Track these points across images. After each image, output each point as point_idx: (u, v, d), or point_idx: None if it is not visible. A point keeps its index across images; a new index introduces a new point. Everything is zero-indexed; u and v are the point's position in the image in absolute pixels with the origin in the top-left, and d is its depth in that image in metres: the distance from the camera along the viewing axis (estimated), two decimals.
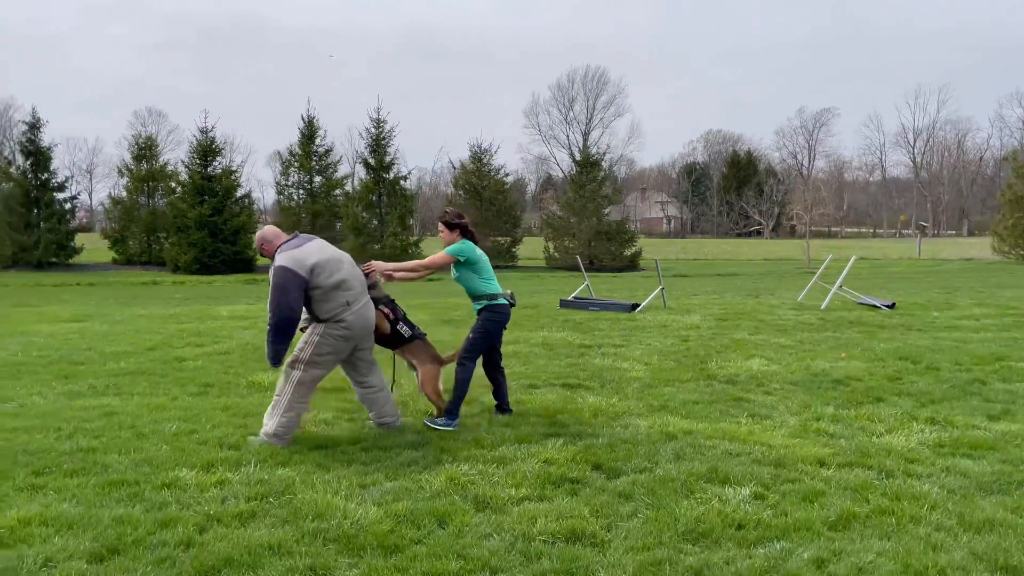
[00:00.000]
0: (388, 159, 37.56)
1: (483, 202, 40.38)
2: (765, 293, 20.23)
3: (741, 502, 4.34)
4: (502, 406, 6.38)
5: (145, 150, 37.01)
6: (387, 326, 5.84)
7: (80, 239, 35.93)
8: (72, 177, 51.05)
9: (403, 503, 4.27)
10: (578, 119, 68.88)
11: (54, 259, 33.58)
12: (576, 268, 39.39)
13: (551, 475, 4.74)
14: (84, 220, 66.28)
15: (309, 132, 38.23)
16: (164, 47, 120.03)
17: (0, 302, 18.55)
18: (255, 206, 35.28)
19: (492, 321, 6.12)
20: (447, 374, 6.13)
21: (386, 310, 5.86)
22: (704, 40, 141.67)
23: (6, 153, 36.48)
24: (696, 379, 7.93)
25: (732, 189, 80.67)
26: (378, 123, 37.55)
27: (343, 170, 40.03)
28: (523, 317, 13.59)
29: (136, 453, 5.14)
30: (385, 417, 5.80)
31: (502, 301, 6.14)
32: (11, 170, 34.28)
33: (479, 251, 6.14)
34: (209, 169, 35.10)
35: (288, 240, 5.47)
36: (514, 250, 41.24)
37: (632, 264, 40.93)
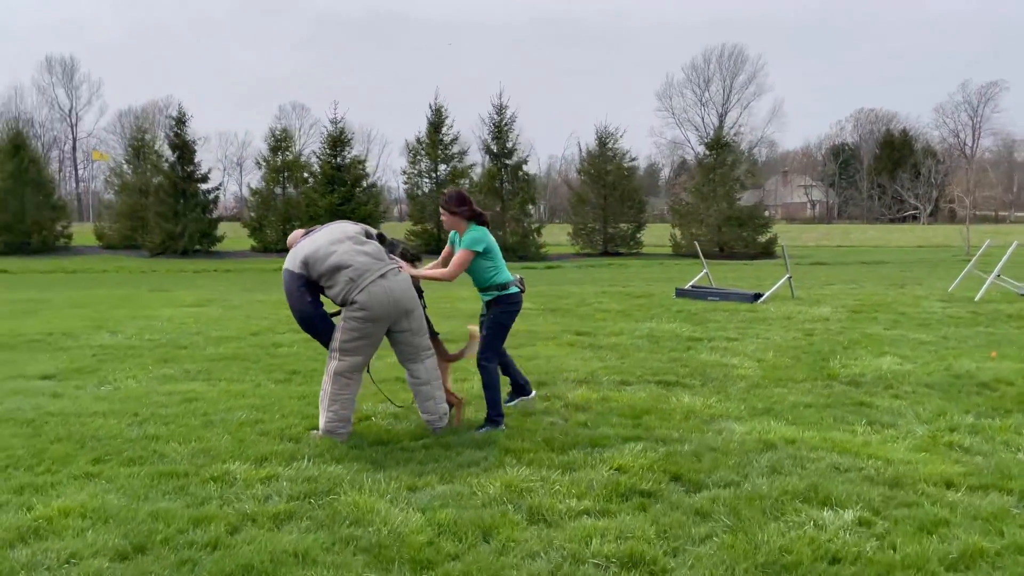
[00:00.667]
0: (510, 145, 37.46)
1: (606, 187, 39.53)
2: (911, 283, 18.57)
3: (841, 529, 3.67)
4: (519, 386, 5.97)
5: (281, 141, 38.58)
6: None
7: (224, 228, 38.01)
8: (215, 169, 53.88)
9: (450, 510, 3.89)
10: (714, 100, 66.39)
11: (198, 247, 35.62)
12: (704, 255, 38.10)
13: (620, 485, 4.22)
14: (235, 210, 70.19)
15: (437, 121, 38.67)
16: (311, 44, 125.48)
17: (139, 287, 19.70)
18: (390, 195, 36.22)
19: (507, 313, 5.60)
20: (462, 372, 5.69)
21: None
22: (853, 10, 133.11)
23: (156, 147, 38.81)
24: (813, 379, 7.12)
25: (885, 171, 75.28)
26: (500, 109, 37.51)
27: (470, 159, 40.24)
28: (633, 307, 12.97)
29: (197, 443, 5.02)
30: (425, 414, 5.35)
31: (514, 290, 5.59)
32: (161, 163, 36.62)
33: (491, 236, 5.56)
34: (339, 159, 36.27)
35: (303, 236, 5.33)
36: (638, 236, 40.16)
37: (766, 251, 38.93)
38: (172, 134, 36.36)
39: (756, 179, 52.74)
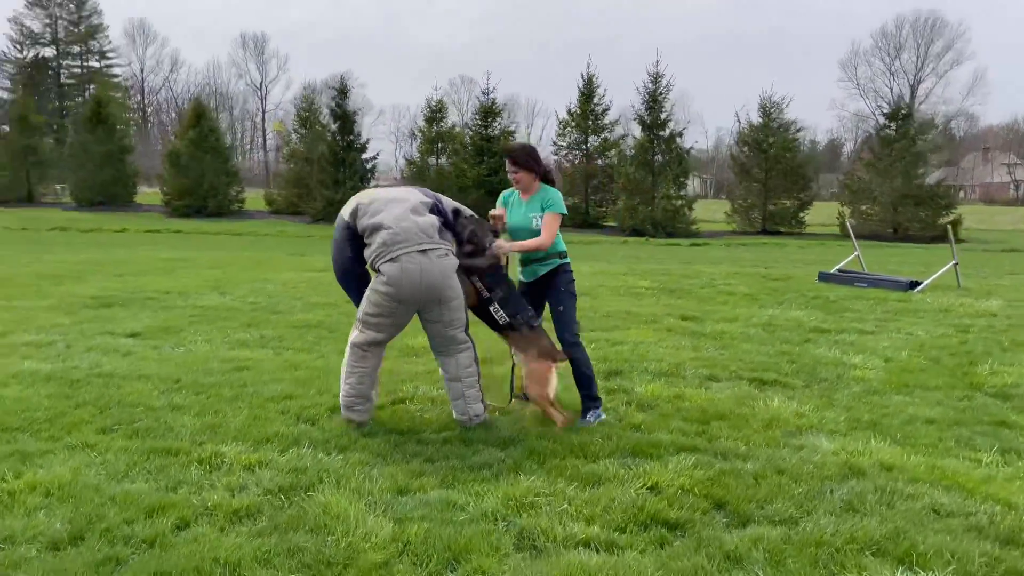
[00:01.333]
0: (664, 116, 35.84)
1: (768, 160, 37.01)
2: None
3: None
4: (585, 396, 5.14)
5: (436, 112, 39.10)
6: (473, 298, 4.77)
7: None
8: (388, 141, 55.63)
9: (429, 524, 3.31)
10: (905, 69, 60.76)
11: None
12: (875, 236, 34.85)
13: (644, 510, 3.48)
14: (397, 180, 73.14)
15: (588, 91, 37.73)
16: (488, 19, 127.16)
17: (279, 250, 20.44)
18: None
19: (573, 282, 4.99)
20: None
21: (479, 284, 4.76)
22: None
23: (322, 118, 40.43)
24: (950, 387, 5.90)
25: None
26: (656, 78, 35.87)
27: (621, 130, 38.99)
28: (765, 290, 11.75)
29: (211, 417, 4.73)
30: (456, 413, 4.74)
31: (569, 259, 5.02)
32: (325, 133, 38.13)
33: None
34: (489, 130, 36.25)
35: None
36: (802, 215, 37.37)
37: (946, 235, 35.09)
38: (334, 105, 37.70)
39: (945, 155, 47.72)
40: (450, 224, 4.75)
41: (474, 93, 69.64)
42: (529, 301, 5.07)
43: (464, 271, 4.67)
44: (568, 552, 3.13)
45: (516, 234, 4.99)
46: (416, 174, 39.17)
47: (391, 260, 4.41)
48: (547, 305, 5.05)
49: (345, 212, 4.66)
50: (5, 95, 62.49)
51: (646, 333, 7.79)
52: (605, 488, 3.74)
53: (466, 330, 4.69)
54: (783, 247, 28.80)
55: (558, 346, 4.83)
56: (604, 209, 37.99)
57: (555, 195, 4.89)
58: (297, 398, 5.17)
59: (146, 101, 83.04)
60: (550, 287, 4.97)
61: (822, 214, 38.85)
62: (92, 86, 64.23)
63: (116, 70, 71.96)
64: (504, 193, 5.10)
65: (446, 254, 4.55)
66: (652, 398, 5.39)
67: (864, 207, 36.75)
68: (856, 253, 13.91)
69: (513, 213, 5.00)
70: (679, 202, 35.44)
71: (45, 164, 44.21)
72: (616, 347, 7.07)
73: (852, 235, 14.39)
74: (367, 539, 3.18)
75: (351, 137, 37.36)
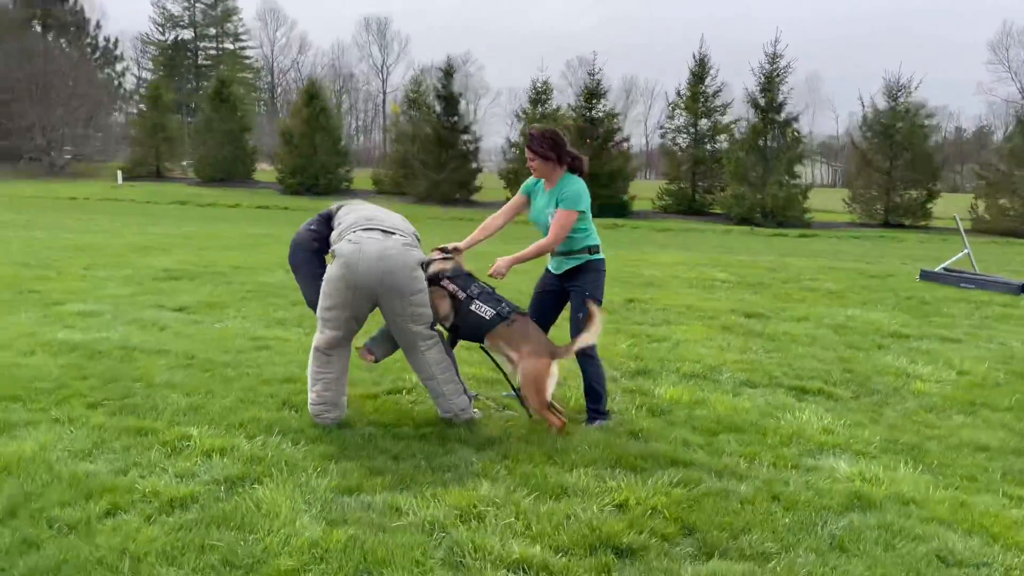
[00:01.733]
0: (780, 98, 34.09)
1: (893, 147, 34.60)
2: None
3: None
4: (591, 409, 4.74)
5: (541, 94, 38.78)
6: (447, 306, 4.40)
7: (485, 179, 39.35)
8: (503, 123, 55.56)
9: (358, 530, 3.09)
10: None
11: (457, 196, 37.23)
12: (1012, 233, 31.98)
13: (601, 531, 3.13)
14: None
15: (699, 72, 36.45)
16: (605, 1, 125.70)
17: None
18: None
19: (601, 282, 4.57)
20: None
21: (451, 286, 4.40)
22: None
23: (429, 100, 40.88)
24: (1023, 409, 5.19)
25: None
26: (773, 58, 34.17)
27: (734, 113, 37.43)
28: (854, 288, 10.89)
29: (199, 397, 4.68)
30: (441, 412, 4.45)
31: (603, 255, 4.59)
32: (430, 115, 38.55)
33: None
34: (593, 112, 35.59)
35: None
36: (928, 207, 34.79)
37: None
38: (439, 86, 38.02)
39: None
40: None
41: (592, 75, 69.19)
42: (547, 299, 4.75)
43: (432, 279, 4.40)
44: (494, 573, 2.84)
45: (537, 225, 4.65)
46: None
47: (349, 240, 4.14)
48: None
49: (333, 206, 4.50)
50: (149, 76, 66.55)
51: (696, 330, 7.29)
52: (567, 502, 3.41)
53: (431, 326, 4.35)
54: (900, 242, 26.99)
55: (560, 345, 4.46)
56: (712, 196, 36.72)
57: (573, 188, 4.43)
58: (296, 382, 5.05)
59: (275, 81, 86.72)
60: (573, 287, 4.61)
61: (956, 207, 36.11)
62: (223, 67, 67.75)
63: (248, 52, 75.44)
64: (528, 180, 4.73)
65: (412, 246, 4.25)
66: (669, 403, 4.96)
67: (1002, 201, 33.86)
68: (966, 251, 12.69)
69: (534, 204, 4.65)
70: (793, 190, 33.74)
71: (173, 141, 46.83)
72: (655, 344, 6.63)
73: (962, 231, 13.13)
74: (287, 542, 2.99)
75: (455, 119, 37.61)
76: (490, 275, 4.48)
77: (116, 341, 6.02)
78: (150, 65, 69.97)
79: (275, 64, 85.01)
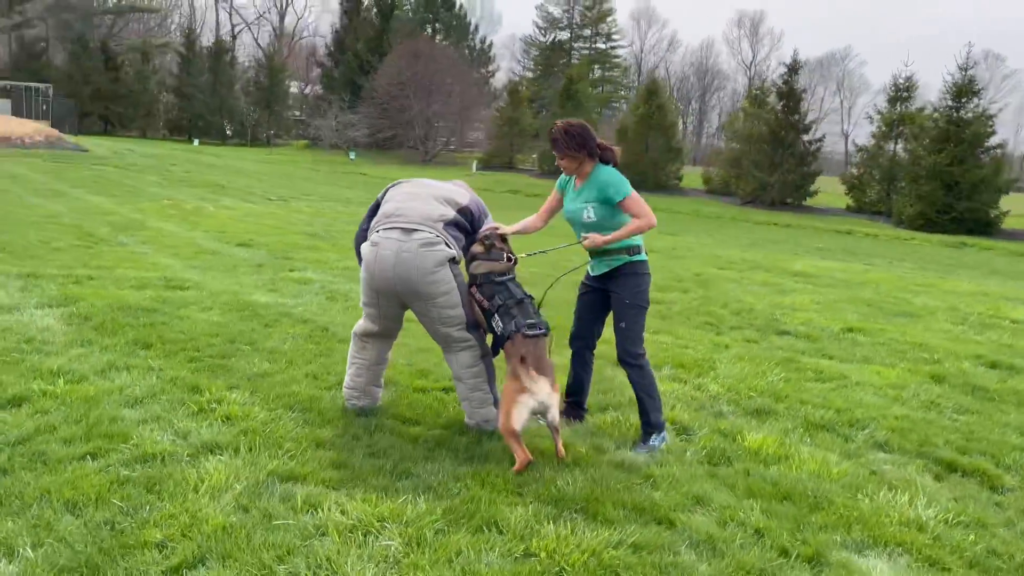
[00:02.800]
0: None
1: None
2: None
3: None
4: (576, 404, 4.47)
5: (903, 92, 34.51)
6: (479, 313, 4.13)
7: (822, 182, 36.25)
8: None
9: (245, 518, 3.07)
10: None
11: (788, 200, 34.76)
12: None
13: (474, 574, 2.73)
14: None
15: None
16: None
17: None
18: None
19: (645, 290, 4.18)
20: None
21: (477, 295, 4.11)
22: None
23: (769, 97, 38.63)
24: None
25: None
26: None
27: None
28: None
29: (270, 364, 4.98)
30: (466, 418, 4.21)
31: (645, 255, 4.22)
32: (768, 112, 36.41)
33: None
34: (961, 112, 30.65)
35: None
36: None
37: None
38: (781, 82, 35.80)
39: None
40: (464, 228, 4.24)
41: (998, 72, 60.21)
42: (589, 300, 4.33)
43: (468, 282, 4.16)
44: None
45: (572, 225, 4.29)
46: (868, 159, 35.35)
47: (371, 241, 4.06)
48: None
49: (381, 192, 4.43)
50: (529, 75, 72.28)
51: (890, 374, 5.95)
52: (477, 539, 3.02)
53: (468, 328, 4.10)
54: None
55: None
56: None
57: (612, 178, 4.09)
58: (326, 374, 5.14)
59: (641, 80, 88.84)
60: (613, 292, 4.20)
61: None
62: (596, 66, 71.03)
63: (618, 51, 78.20)
64: (561, 178, 4.35)
65: (432, 244, 3.96)
66: (743, 451, 4.14)
67: None
68: None
69: (568, 202, 4.26)
70: None
71: (526, 135, 50.38)
72: (814, 382, 5.57)
73: None
74: (173, 517, 3.06)
75: (795, 117, 35.13)
76: (585, 247, 4.15)
77: (282, 305, 6.69)
78: (531, 65, 75.74)
79: (643, 63, 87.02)
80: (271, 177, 26.53)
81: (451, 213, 4.17)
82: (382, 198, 4.35)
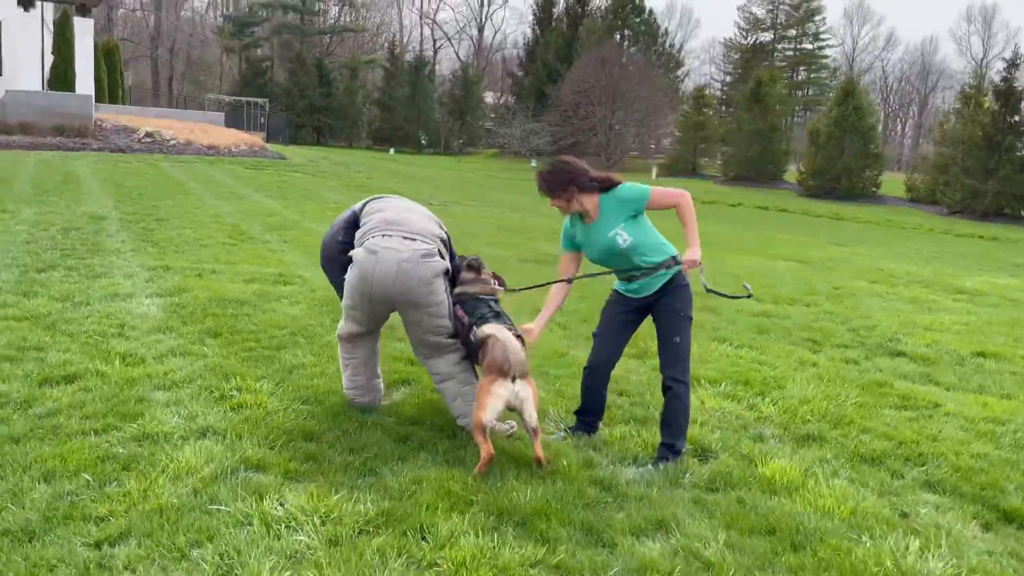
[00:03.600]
0: None
1: None
2: None
3: None
4: (590, 424, 4.22)
5: None
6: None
7: None
8: None
9: (184, 500, 3.20)
10: None
11: (1006, 210, 31.04)
12: None
13: None
14: None
15: None
16: None
17: (856, 242, 18.77)
18: None
19: (689, 300, 3.98)
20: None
21: (459, 312, 4.12)
22: None
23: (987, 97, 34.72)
24: None
25: None
26: None
27: None
28: None
29: (313, 357, 5.15)
30: (458, 418, 4.14)
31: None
32: (982, 114, 32.73)
33: None
34: None
35: None
36: None
37: None
38: (999, 79, 32.13)
39: None
40: (450, 248, 4.33)
41: None
42: (625, 321, 4.13)
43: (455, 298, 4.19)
44: None
45: (607, 262, 4.07)
46: None
47: (367, 248, 4.02)
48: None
49: (358, 204, 4.44)
50: (729, 79, 70.14)
51: (999, 406, 5.14)
52: (395, 543, 2.95)
53: (452, 336, 4.11)
54: None
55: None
56: None
57: (627, 192, 3.95)
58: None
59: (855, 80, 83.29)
60: (664, 309, 3.97)
61: None
62: (801, 68, 67.56)
63: (827, 51, 73.78)
64: (564, 230, 4.19)
65: (431, 255, 4.00)
66: (755, 481, 3.73)
67: None
68: None
69: (589, 244, 4.07)
70: None
71: (711, 140, 48.91)
72: (898, 410, 4.93)
73: None
74: (128, 496, 3.24)
75: (1016, 118, 31.39)
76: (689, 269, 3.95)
77: None
78: (730, 68, 73.25)
79: (854, 62, 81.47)
80: (446, 183, 27.63)
81: (444, 233, 4.29)
82: (361, 210, 4.38)
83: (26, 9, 24.89)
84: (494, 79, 76.37)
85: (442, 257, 4.10)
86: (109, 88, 32.27)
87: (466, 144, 62.63)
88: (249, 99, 45.63)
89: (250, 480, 3.42)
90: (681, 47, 66.14)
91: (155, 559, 2.80)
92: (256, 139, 28.80)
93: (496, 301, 4.19)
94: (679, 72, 66.25)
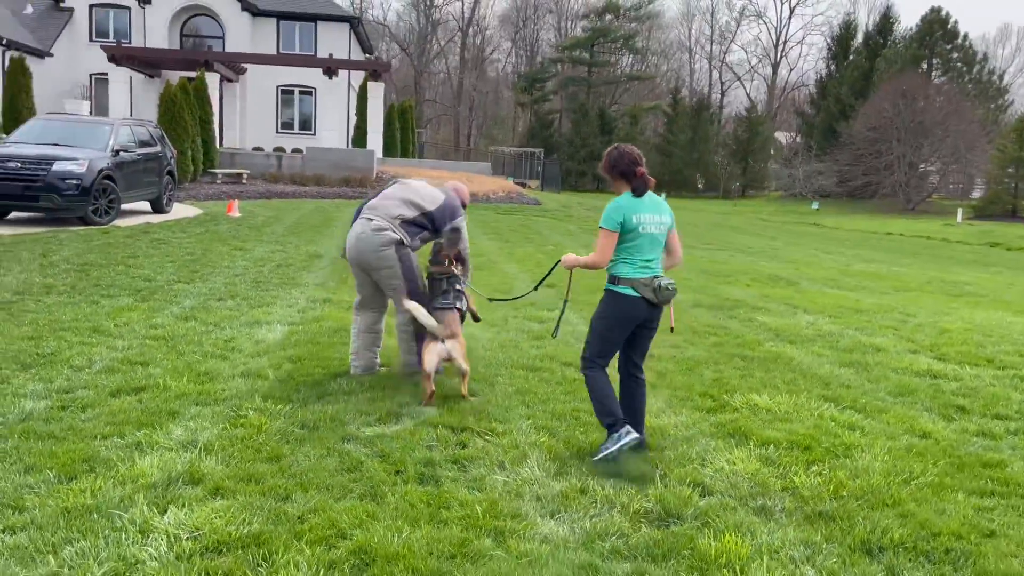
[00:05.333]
0: None
1: None
2: None
3: None
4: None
5: None
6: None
7: None
8: None
9: (87, 515, 3.50)
10: None
11: None
12: None
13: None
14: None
15: None
16: None
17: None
18: None
19: (605, 306, 4.30)
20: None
21: (460, 305, 5.44)
22: None
23: None
24: None
25: None
26: None
27: None
28: None
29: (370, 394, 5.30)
30: (400, 360, 5.65)
31: (626, 290, 4.18)
32: None
33: (637, 208, 4.17)
34: None
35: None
36: None
37: None
38: None
39: None
40: (424, 225, 5.46)
41: None
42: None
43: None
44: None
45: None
46: None
47: (352, 228, 5.45)
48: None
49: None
50: None
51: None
52: (229, 561, 2.97)
53: (409, 298, 5.31)
54: None
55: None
56: None
57: (612, 204, 4.22)
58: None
59: None
60: None
61: None
62: None
63: None
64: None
65: (382, 229, 5.27)
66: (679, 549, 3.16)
67: None
68: None
69: None
70: None
71: None
72: (978, 497, 3.86)
73: None
74: (111, 466, 3.63)
75: None
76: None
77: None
78: None
79: None
80: (697, 227, 26.87)
81: (410, 214, 5.40)
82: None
83: (330, 77, 28.94)
84: (788, 118, 73.07)
85: (394, 232, 5.28)
86: (401, 144, 36.21)
87: (747, 187, 60.44)
88: (528, 150, 48.44)
89: (177, 493, 3.65)
90: (1002, 74, 58.06)
91: (29, 551, 3.10)
92: (514, 186, 30.43)
93: (457, 279, 5.40)
94: (1001, 101, 58.18)
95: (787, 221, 36.11)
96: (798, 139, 62.25)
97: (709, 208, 43.97)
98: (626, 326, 4.22)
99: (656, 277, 4.17)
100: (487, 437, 4.52)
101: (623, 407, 4.27)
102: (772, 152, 63.73)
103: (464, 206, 5.70)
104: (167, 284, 9.03)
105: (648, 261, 4.19)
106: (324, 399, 5.10)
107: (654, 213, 4.18)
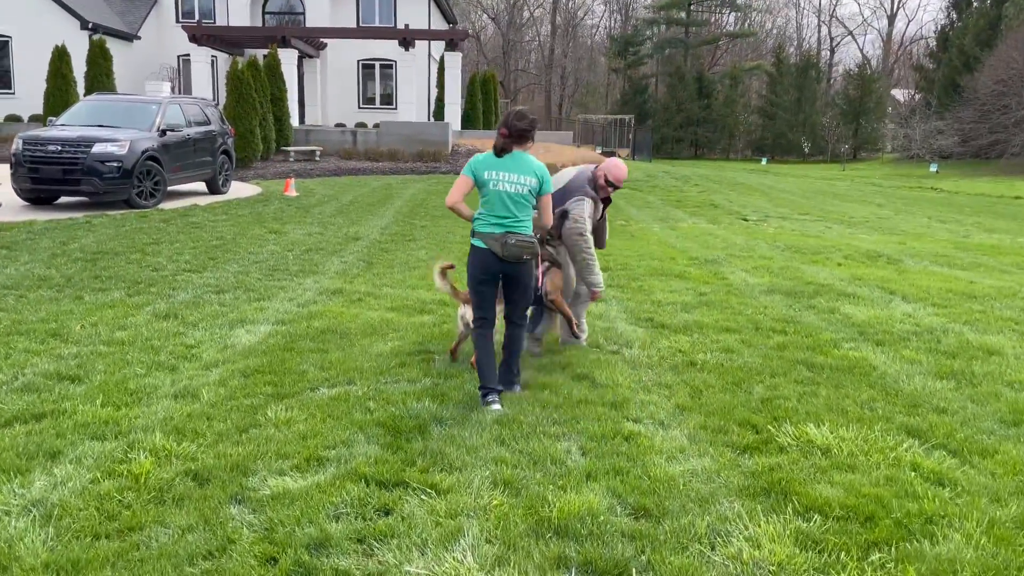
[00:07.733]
0: None
1: None
2: None
3: None
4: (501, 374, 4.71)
5: None
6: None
7: None
8: None
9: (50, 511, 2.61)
10: None
11: None
12: None
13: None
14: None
15: None
16: None
17: None
18: None
19: (470, 263, 4.60)
20: None
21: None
22: None
23: None
24: None
25: None
26: None
27: None
28: None
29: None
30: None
31: (478, 243, 4.51)
32: None
33: (492, 165, 4.47)
34: None
35: None
36: None
37: None
38: None
39: None
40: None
41: None
42: None
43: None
44: None
45: None
46: None
47: None
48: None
49: None
50: None
51: None
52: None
53: None
54: None
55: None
56: None
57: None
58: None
59: None
60: None
61: None
62: None
63: None
64: None
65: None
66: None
67: None
68: None
69: None
70: None
71: None
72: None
73: None
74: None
75: None
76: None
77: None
78: None
79: None
80: (794, 195, 24.67)
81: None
82: None
83: (406, 48, 28.09)
84: (905, 74, 67.81)
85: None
86: (484, 115, 35.15)
87: (859, 150, 56.33)
88: (619, 116, 46.40)
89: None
90: None
91: None
92: (592, 153, 28.89)
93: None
94: None
95: (900, 186, 33.06)
96: (916, 96, 57.53)
97: (813, 173, 41.01)
98: (487, 279, 4.50)
99: (508, 233, 4.36)
100: (424, 495, 3.41)
101: (504, 348, 4.74)
102: (888, 111, 59.13)
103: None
104: (173, 274, 8.31)
105: (502, 218, 4.41)
106: (246, 432, 4.10)
107: (512, 172, 4.38)
